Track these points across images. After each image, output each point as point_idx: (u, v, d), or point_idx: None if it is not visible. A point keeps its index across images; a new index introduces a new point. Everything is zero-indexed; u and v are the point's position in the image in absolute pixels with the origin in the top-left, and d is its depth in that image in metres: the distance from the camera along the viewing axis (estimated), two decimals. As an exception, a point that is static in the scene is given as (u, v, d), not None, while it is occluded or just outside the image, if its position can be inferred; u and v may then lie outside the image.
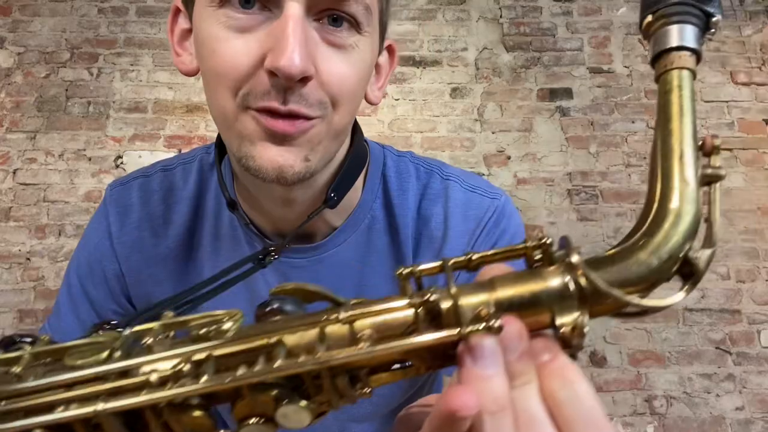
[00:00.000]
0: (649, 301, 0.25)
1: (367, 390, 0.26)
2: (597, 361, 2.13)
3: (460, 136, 2.35)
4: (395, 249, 0.62)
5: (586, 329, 0.24)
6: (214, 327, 0.26)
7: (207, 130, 2.31)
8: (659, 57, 0.28)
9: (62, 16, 2.41)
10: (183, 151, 2.28)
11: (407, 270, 0.26)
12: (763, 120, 2.37)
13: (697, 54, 0.27)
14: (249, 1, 0.41)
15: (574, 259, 0.24)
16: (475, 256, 0.27)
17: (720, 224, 0.26)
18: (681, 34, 0.27)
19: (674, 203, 0.26)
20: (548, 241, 0.26)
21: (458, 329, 0.24)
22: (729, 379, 2.10)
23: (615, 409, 2.07)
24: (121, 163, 2.27)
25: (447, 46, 2.46)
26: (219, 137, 0.60)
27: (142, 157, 2.27)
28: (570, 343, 0.24)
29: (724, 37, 2.46)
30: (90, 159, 2.27)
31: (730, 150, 2.33)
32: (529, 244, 0.26)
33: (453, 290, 0.25)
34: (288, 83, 0.41)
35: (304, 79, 0.41)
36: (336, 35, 0.44)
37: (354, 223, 0.61)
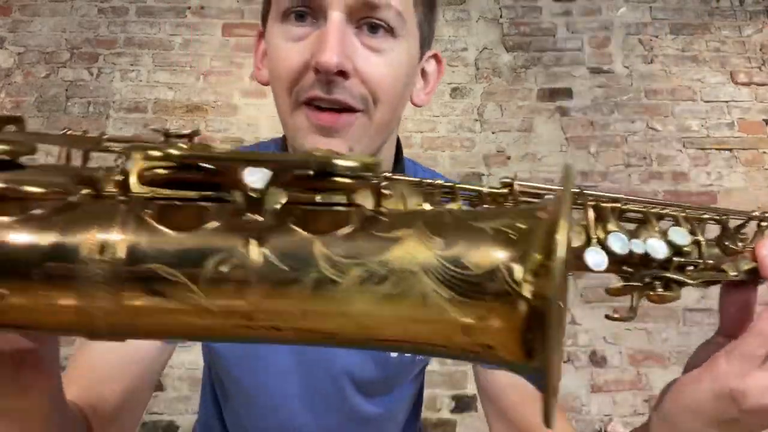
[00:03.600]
0: None
1: None
2: (597, 361, 2.12)
3: (460, 136, 2.35)
4: None
5: None
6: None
7: (207, 130, 2.31)
8: None
9: (62, 16, 2.41)
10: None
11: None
12: (763, 120, 2.37)
13: None
14: (302, 16, 0.49)
15: None
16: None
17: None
18: None
19: None
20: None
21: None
22: (729, 379, 2.10)
23: (615, 409, 2.07)
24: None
25: (447, 46, 2.46)
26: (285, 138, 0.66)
27: (142, 157, 2.26)
28: None
29: (724, 37, 2.46)
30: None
31: (730, 150, 2.34)
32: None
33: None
34: (328, 76, 0.47)
35: (344, 74, 0.47)
36: (373, 40, 0.50)
37: None
